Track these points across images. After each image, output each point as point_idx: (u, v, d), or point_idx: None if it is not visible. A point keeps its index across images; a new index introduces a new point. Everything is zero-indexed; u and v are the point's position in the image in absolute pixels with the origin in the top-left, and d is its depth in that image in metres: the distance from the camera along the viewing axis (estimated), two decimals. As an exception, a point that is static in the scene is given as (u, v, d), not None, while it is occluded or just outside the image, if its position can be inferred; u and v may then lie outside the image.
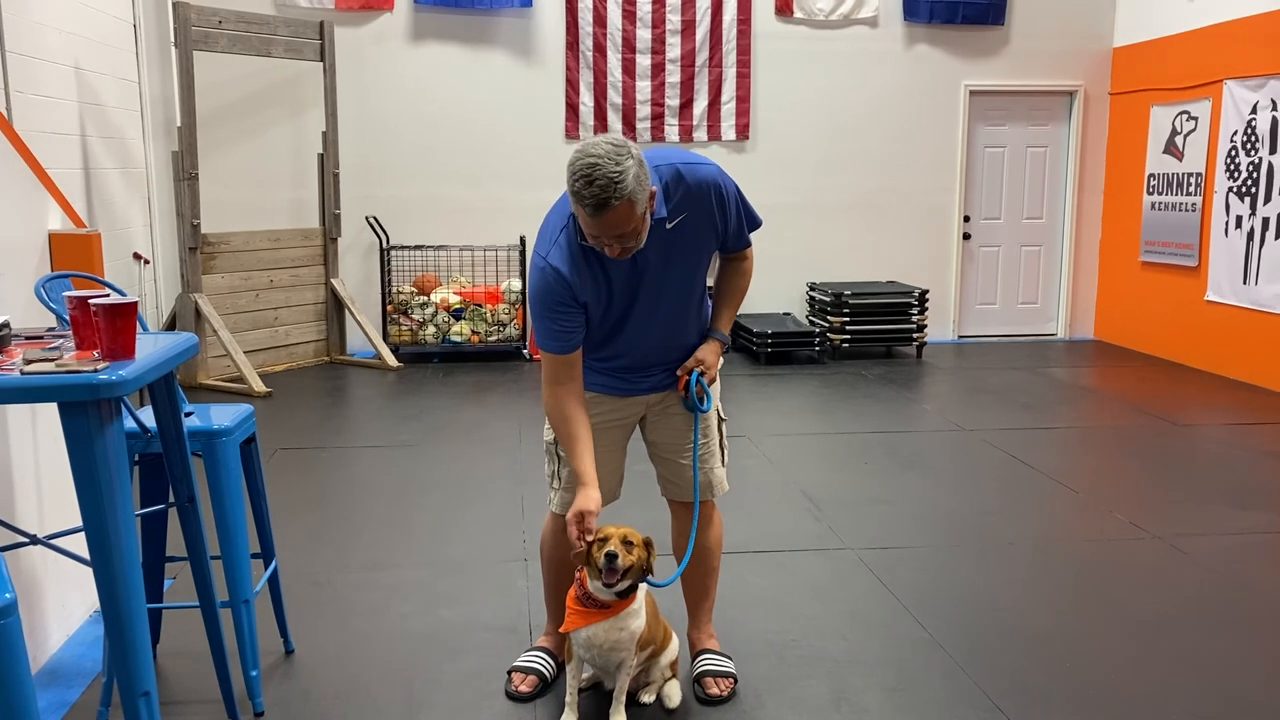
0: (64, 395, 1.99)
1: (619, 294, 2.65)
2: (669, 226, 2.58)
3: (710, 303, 2.92)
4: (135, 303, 2.17)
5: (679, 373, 2.84)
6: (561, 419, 2.68)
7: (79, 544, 3.05)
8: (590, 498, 2.60)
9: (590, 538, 2.60)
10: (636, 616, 2.70)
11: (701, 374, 2.81)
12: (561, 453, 2.86)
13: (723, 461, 2.99)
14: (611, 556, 2.56)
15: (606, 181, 2.30)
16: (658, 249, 2.60)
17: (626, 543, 2.61)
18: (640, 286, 2.65)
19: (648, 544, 2.68)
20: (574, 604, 2.69)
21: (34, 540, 2.48)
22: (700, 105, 8.49)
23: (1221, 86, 7.48)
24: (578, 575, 2.70)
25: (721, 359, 2.92)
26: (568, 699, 2.76)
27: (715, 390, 2.93)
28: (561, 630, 2.75)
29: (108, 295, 2.24)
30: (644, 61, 8.38)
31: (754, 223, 2.79)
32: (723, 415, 2.99)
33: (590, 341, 2.75)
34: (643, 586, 2.74)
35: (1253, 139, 7.18)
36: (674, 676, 2.93)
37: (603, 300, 2.65)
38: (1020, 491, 4.84)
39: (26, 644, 2.86)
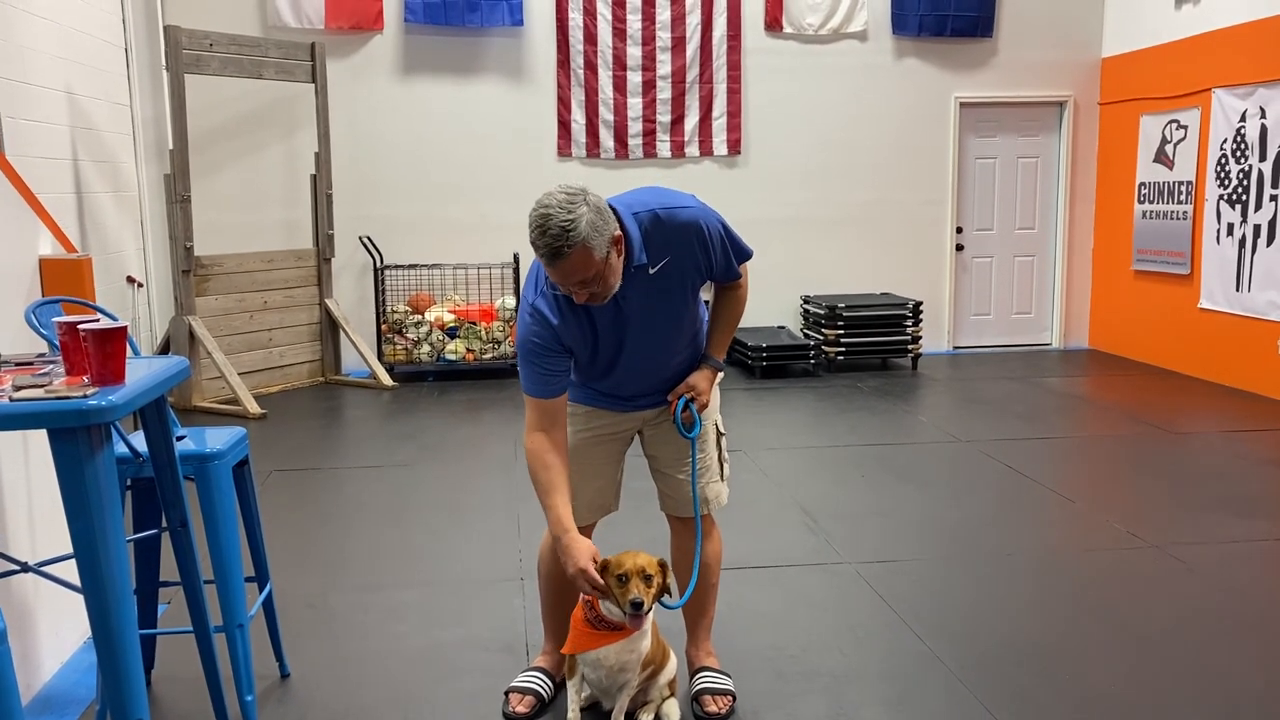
0: (53, 421, 1.98)
1: (605, 338, 2.66)
2: (652, 272, 2.58)
3: (706, 323, 2.92)
4: (125, 328, 2.16)
5: (669, 398, 2.84)
6: (541, 466, 2.67)
7: (72, 571, 3.03)
8: (583, 550, 2.58)
9: (597, 579, 2.57)
10: (645, 637, 2.68)
11: (691, 400, 2.81)
12: None
13: (722, 476, 2.99)
14: (638, 604, 2.54)
15: (559, 230, 2.34)
16: (642, 294, 2.60)
17: (646, 577, 2.59)
18: (626, 330, 2.66)
19: (663, 568, 2.66)
20: (583, 625, 2.66)
21: (25, 568, 2.46)
22: (691, 121, 8.52)
23: (1210, 95, 7.52)
24: (586, 597, 2.67)
25: (719, 379, 2.92)
26: (569, 718, 2.74)
27: (715, 402, 2.93)
28: (566, 651, 2.73)
29: (98, 320, 2.24)
30: (635, 78, 8.41)
31: (743, 254, 2.77)
32: (721, 430, 2.99)
33: (583, 375, 2.77)
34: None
35: (1242, 147, 7.21)
36: (672, 695, 2.91)
37: (588, 345, 2.66)
38: (1017, 502, 4.83)
39: (18, 672, 2.84)
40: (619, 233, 2.47)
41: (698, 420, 2.82)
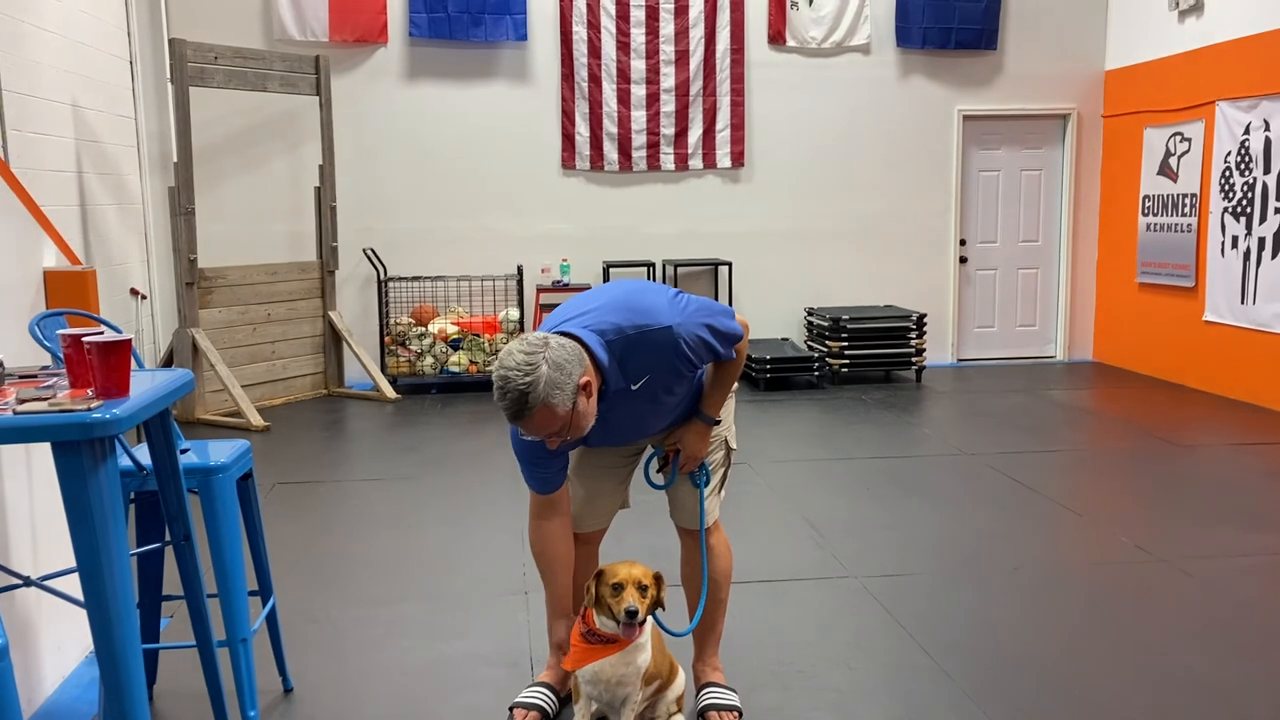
0: (57, 434, 1.97)
1: (596, 438, 2.71)
2: (634, 389, 2.57)
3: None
4: (129, 340, 2.15)
5: (665, 447, 2.85)
6: (541, 554, 2.78)
7: (74, 585, 3.02)
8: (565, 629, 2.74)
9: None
10: (642, 650, 2.67)
11: (676, 455, 2.84)
12: None
13: (718, 490, 2.98)
14: (632, 613, 2.55)
15: (517, 394, 2.32)
16: (627, 405, 2.61)
17: (641, 587, 2.59)
18: (620, 430, 2.71)
19: (658, 580, 2.66)
20: (579, 640, 2.66)
21: (28, 582, 2.45)
22: (695, 134, 8.52)
23: (1214, 108, 7.52)
24: (582, 613, 2.68)
25: (718, 435, 2.91)
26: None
27: (729, 417, 2.91)
28: (566, 667, 2.72)
29: (102, 332, 2.23)
30: (639, 91, 8.42)
31: (732, 341, 2.67)
32: (732, 445, 2.98)
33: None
34: (649, 620, 2.72)
35: (1246, 159, 7.20)
36: (679, 711, 2.89)
37: (580, 445, 2.72)
38: (1023, 516, 4.80)
39: (20, 687, 2.82)
40: (586, 379, 2.40)
41: (672, 478, 2.87)
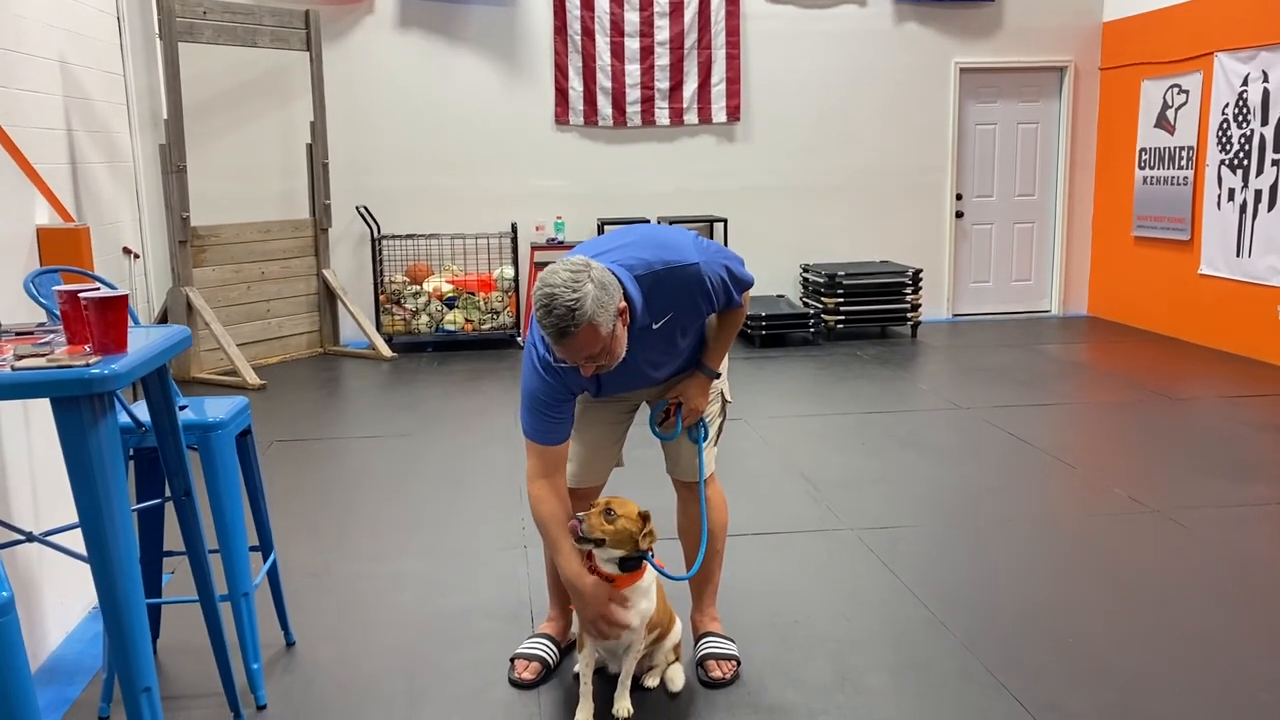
0: (56, 390, 1.96)
1: (611, 384, 2.69)
2: (655, 327, 2.57)
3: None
4: (126, 296, 2.15)
5: (668, 399, 2.85)
6: (548, 518, 2.66)
7: (76, 540, 3.03)
8: (602, 590, 2.63)
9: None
10: (646, 597, 2.69)
11: (679, 407, 2.83)
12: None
13: (713, 441, 2.99)
14: (578, 519, 2.60)
15: (564, 310, 2.30)
16: (646, 346, 2.61)
17: (608, 511, 2.61)
18: (633, 376, 2.69)
19: (644, 516, 2.65)
20: None
21: (30, 537, 2.46)
22: (690, 87, 8.45)
23: (1212, 59, 7.46)
24: (584, 554, 2.69)
25: (715, 388, 2.90)
26: (582, 690, 2.74)
27: (725, 367, 2.92)
28: (572, 608, 2.75)
29: (98, 289, 2.22)
30: (633, 45, 8.33)
31: (745, 286, 2.71)
32: (728, 398, 2.99)
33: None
34: (651, 570, 2.73)
35: (1244, 111, 7.16)
36: (677, 660, 2.93)
37: (594, 386, 2.69)
38: (1018, 468, 4.84)
39: (25, 641, 2.85)
40: (624, 304, 2.42)
41: (677, 430, 2.86)
